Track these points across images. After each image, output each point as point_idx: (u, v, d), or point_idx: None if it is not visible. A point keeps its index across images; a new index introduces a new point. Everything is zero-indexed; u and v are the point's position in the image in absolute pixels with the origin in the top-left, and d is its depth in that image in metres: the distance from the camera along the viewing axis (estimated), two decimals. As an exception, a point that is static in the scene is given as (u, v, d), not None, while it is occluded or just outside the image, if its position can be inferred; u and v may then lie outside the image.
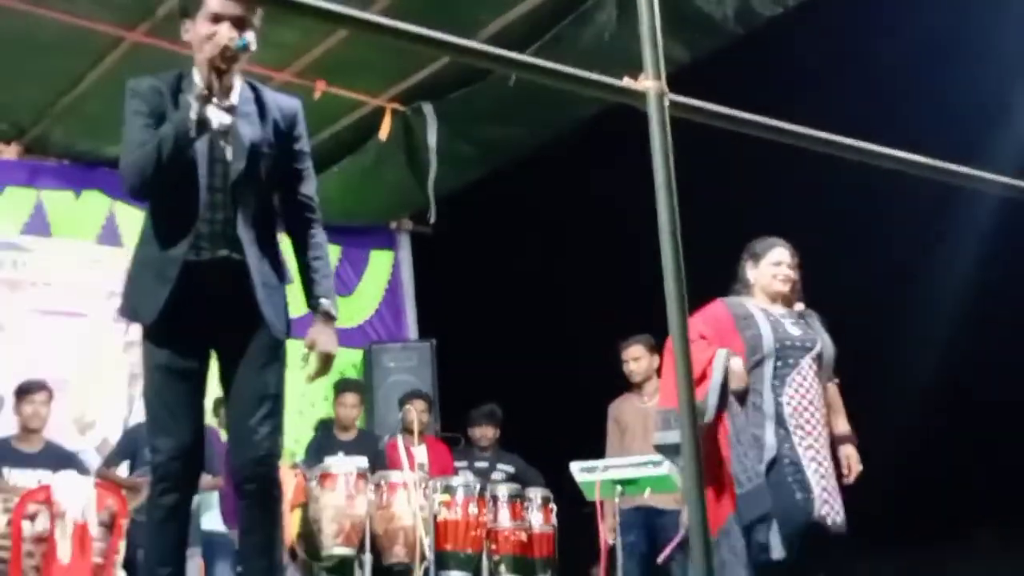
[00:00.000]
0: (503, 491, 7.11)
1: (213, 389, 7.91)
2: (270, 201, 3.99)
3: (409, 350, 9.71)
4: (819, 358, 5.09)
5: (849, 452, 5.16)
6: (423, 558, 6.57)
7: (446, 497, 6.79)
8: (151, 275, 3.83)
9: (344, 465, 6.80)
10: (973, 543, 8.29)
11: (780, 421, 4.92)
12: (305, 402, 9.17)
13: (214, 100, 3.73)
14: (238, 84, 3.95)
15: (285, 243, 4.10)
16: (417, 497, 6.67)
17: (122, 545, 6.19)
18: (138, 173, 3.74)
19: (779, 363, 5.01)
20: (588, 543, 6.57)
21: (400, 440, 7.38)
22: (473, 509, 6.81)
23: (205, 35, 3.78)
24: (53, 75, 7.92)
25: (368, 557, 6.61)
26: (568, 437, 7.98)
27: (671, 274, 2.34)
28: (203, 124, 3.70)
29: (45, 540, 5.84)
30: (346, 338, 9.60)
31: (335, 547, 6.58)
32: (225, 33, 3.77)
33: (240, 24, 3.81)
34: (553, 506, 7.23)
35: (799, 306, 5.27)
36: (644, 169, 2.41)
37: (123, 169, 3.79)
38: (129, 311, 3.96)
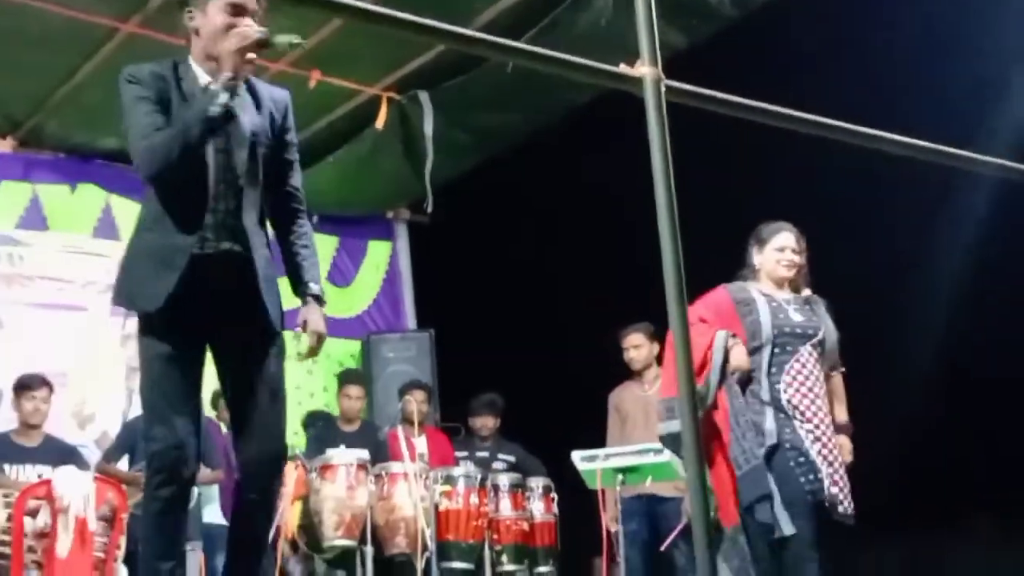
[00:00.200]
0: (504, 481, 7.10)
1: (212, 380, 7.88)
2: (261, 192, 3.97)
3: (408, 340, 9.69)
4: (820, 345, 5.07)
5: (842, 442, 5.13)
6: (424, 548, 6.57)
7: (447, 487, 6.79)
8: (154, 263, 3.76)
9: (344, 456, 6.79)
10: (973, 530, 8.30)
11: (778, 407, 4.91)
12: (303, 393, 9.17)
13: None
14: None
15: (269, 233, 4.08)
16: (418, 488, 6.67)
17: (123, 539, 6.18)
18: (164, 157, 3.66)
19: (776, 350, 5.00)
20: (590, 532, 6.57)
21: (400, 431, 7.37)
22: (474, 499, 6.81)
23: (223, 25, 3.75)
24: (47, 68, 7.89)
25: (369, 548, 6.61)
26: (569, 426, 7.99)
27: (670, 260, 2.33)
28: (230, 113, 3.69)
29: (46, 535, 5.84)
30: (344, 328, 9.61)
31: (336, 539, 6.58)
32: (255, 25, 3.75)
33: (251, 14, 3.82)
34: (554, 495, 7.23)
35: (806, 292, 5.25)
36: (641, 155, 2.40)
37: (143, 152, 3.70)
38: (125, 299, 3.89)
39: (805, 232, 5.31)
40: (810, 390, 4.97)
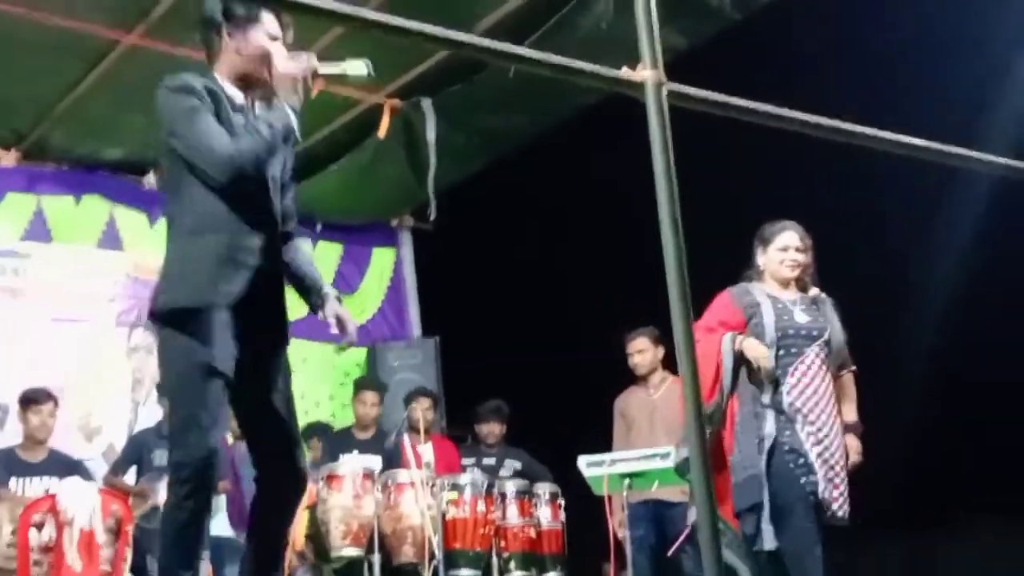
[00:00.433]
0: (511, 488, 7.09)
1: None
2: None
3: (413, 348, 9.69)
4: (827, 346, 5.04)
5: (850, 442, 5.11)
6: (432, 557, 6.55)
7: (454, 495, 6.77)
8: (223, 262, 3.78)
9: (350, 466, 6.79)
10: (970, 531, 8.28)
11: (781, 410, 4.89)
12: (308, 402, 9.16)
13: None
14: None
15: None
16: (424, 496, 6.65)
17: (129, 552, 6.18)
18: (252, 160, 3.75)
19: (781, 352, 4.97)
20: (597, 538, 6.56)
21: (406, 439, 7.37)
22: (481, 506, 6.79)
23: (265, 51, 3.88)
24: (50, 79, 7.89)
25: (377, 557, 6.61)
26: (575, 432, 7.97)
27: (672, 264, 2.32)
28: (291, 133, 3.84)
29: (52, 549, 5.83)
30: (350, 337, 9.59)
31: (344, 548, 6.57)
32: (312, 56, 3.93)
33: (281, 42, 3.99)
34: (561, 501, 7.21)
35: (814, 291, 5.20)
36: (646, 156, 2.39)
37: (228, 157, 3.73)
38: (186, 294, 3.79)
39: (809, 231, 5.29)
40: (815, 392, 4.95)
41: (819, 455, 4.85)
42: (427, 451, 7.44)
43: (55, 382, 7.77)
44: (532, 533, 6.99)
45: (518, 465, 8.02)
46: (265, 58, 3.88)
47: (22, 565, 5.75)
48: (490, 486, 6.96)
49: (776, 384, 4.94)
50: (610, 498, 6.32)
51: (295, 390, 4.12)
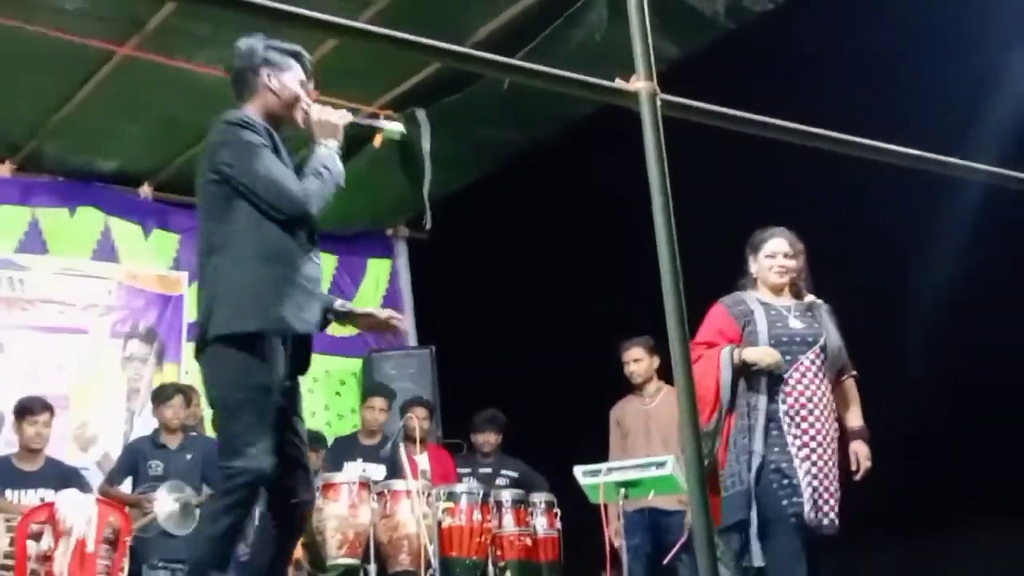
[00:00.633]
0: (507, 496, 7.10)
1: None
2: None
3: (409, 357, 9.68)
4: (823, 352, 5.02)
5: (858, 448, 5.08)
6: (428, 566, 6.56)
7: (450, 504, 6.79)
8: (302, 291, 4.00)
9: (347, 475, 6.80)
10: (971, 535, 8.27)
11: (775, 420, 4.88)
12: (304, 413, 9.15)
13: None
14: None
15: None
16: (421, 505, 6.66)
17: (126, 562, 6.18)
18: (319, 202, 4.03)
19: None
20: (593, 546, 6.56)
21: (402, 448, 7.36)
22: (477, 515, 6.80)
23: (299, 95, 4.18)
24: (44, 91, 7.91)
25: (373, 566, 6.61)
26: (571, 441, 7.97)
27: (668, 275, 2.33)
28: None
29: (49, 558, 5.83)
30: (345, 346, 9.60)
31: (340, 557, 6.58)
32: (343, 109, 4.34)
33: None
34: (557, 510, 7.22)
35: (809, 297, 5.19)
36: (641, 165, 2.40)
37: (298, 193, 3.97)
38: (275, 321, 3.95)
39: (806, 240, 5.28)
40: (809, 400, 4.92)
41: (807, 472, 4.82)
42: (423, 460, 7.44)
43: (50, 392, 7.77)
44: (528, 542, 7.00)
45: (514, 474, 8.03)
46: (298, 101, 4.16)
47: (20, 574, 5.75)
48: (486, 495, 6.97)
49: (772, 392, 4.93)
50: (606, 507, 6.32)
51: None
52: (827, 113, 3.16)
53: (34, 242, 8.85)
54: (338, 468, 7.47)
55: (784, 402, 4.91)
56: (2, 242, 8.73)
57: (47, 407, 7.15)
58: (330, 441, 8.28)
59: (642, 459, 6.32)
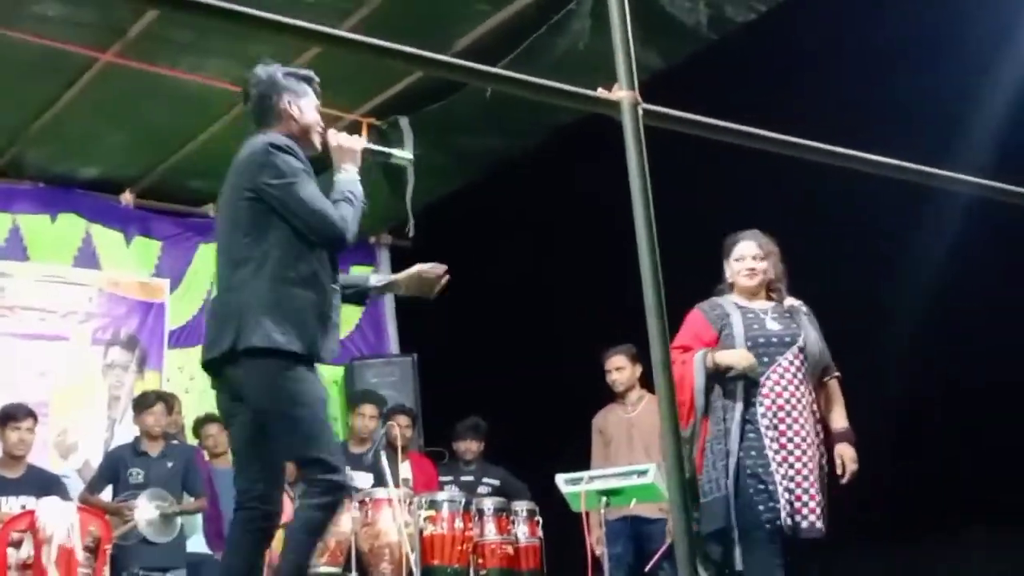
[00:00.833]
0: (489, 505, 7.09)
1: (194, 407, 7.84)
2: None
3: (391, 365, 9.67)
4: (802, 352, 5.01)
5: (843, 451, 5.02)
6: (409, 574, 6.55)
7: (431, 512, 6.77)
8: (323, 320, 4.13)
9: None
10: (964, 540, 8.28)
11: (753, 423, 4.86)
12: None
13: None
14: None
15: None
16: (402, 513, 6.65)
17: (107, 570, 6.16)
18: (354, 229, 4.22)
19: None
20: (575, 555, 6.56)
21: (384, 456, 7.36)
22: (459, 523, 6.79)
23: (318, 119, 4.37)
24: (26, 98, 7.89)
25: (354, 575, 6.59)
26: (553, 449, 7.96)
27: (649, 282, 2.34)
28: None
29: (30, 566, 5.81)
30: (327, 354, 9.57)
31: (320, 566, 6.55)
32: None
33: None
34: (539, 518, 7.21)
35: (789, 300, 5.17)
36: (623, 174, 2.41)
37: (337, 220, 4.14)
38: (308, 346, 4.07)
39: (787, 246, 5.26)
40: (787, 401, 4.89)
41: (783, 475, 4.79)
42: (405, 468, 7.43)
43: (31, 399, 7.74)
44: (510, 550, 6.99)
45: (496, 482, 8.02)
46: (316, 126, 4.34)
47: (-1, 583, 5.73)
48: (468, 503, 6.96)
49: (749, 394, 4.91)
50: (588, 515, 6.33)
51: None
52: (808, 122, 3.17)
53: (15, 249, 8.81)
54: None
55: (761, 404, 4.87)
56: (-18, 249, 8.70)
57: (30, 413, 7.13)
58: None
59: (624, 467, 6.32)
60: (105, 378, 8.97)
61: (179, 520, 7.28)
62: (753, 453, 4.82)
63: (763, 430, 4.85)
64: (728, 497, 4.77)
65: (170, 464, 7.35)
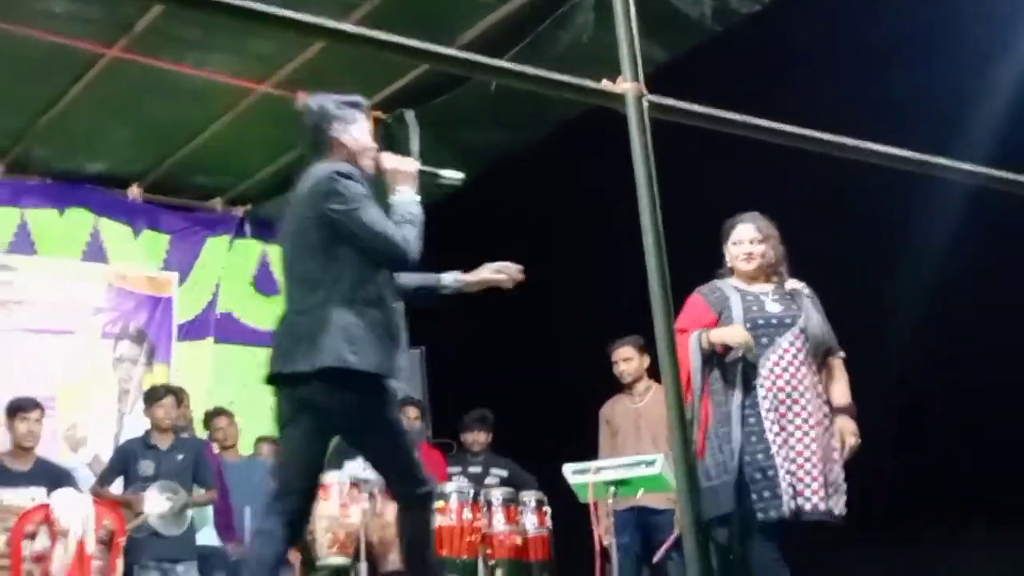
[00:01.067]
0: (497, 495, 7.10)
1: (202, 402, 7.87)
2: None
3: (399, 357, 9.68)
4: (803, 334, 4.96)
5: (843, 425, 4.96)
6: (419, 565, 6.56)
7: (440, 503, 6.78)
8: (391, 339, 4.29)
9: (337, 475, 6.80)
10: (965, 538, 8.29)
11: (754, 407, 4.84)
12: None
13: None
14: None
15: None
16: (411, 504, 6.66)
17: (120, 563, 6.19)
18: (418, 251, 4.32)
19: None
20: (583, 545, 6.58)
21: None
22: (467, 514, 6.81)
23: (372, 144, 4.52)
24: (34, 93, 7.91)
25: (363, 566, 6.61)
26: (561, 439, 7.98)
27: (655, 273, 2.36)
28: None
29: (45, 558, 5.84)
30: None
31: (330, 557, 6.57)
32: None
33: None
34: (547, 509, 7.22)
35: (791, 282, 5.17)
36: (628, 167, 2.43)
37: (402, 242, 4.25)
38: (385, 369, 4.25)
39: (787, 235, 5.25)
40: (788, 383, 4.85)
41: (785, 457, 4.75)
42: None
43: (41, 393, 7.78)
44: (518, 541, 7.00)
45: (504, 473, 8.03)
46: (368, 150, 4.47)
47: (15, 575, 5.76)
48: (476, 494, 6.97)
49: (749, 376, 4.90)
50: (595, 505, 6.34)
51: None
52: (813, 113, 3.18)
53: (23, 243, 8.84)
54: (338, 466, 7.46)
55: (762, 387, 4.84)
56: (-9, 243, 8.74)
57: (38, 405, 7.19)
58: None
59: (631, 457, 6.33)
60: (115, 372, 9.00)
61: (189, 512, 7.31)
62: (754, 438, 4.80)
63: (764, 413, 4.82)
64: (735, 481, 4.76)
65: (180, 457, 7.38)
